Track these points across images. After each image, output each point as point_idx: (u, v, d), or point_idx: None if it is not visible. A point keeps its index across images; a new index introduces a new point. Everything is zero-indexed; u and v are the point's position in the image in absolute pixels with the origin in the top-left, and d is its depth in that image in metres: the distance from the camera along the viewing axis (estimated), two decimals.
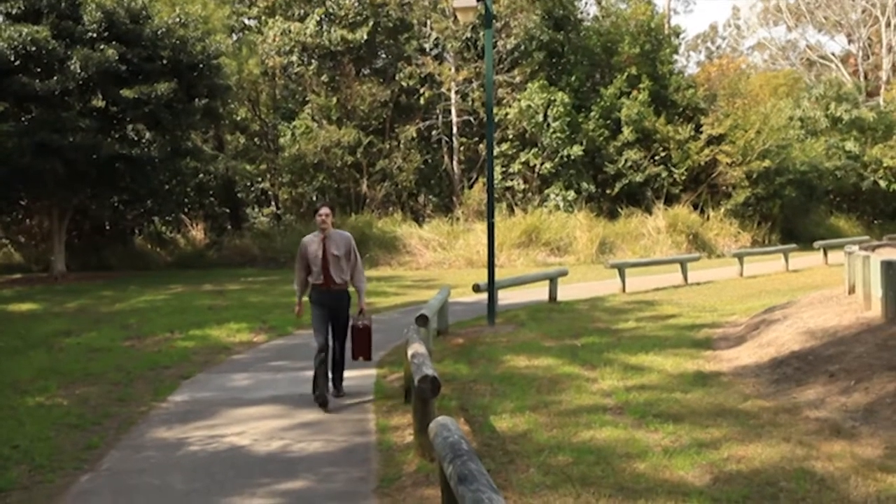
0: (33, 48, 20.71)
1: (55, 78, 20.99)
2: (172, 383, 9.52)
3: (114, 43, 21.59)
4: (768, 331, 10.50)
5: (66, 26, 21.48)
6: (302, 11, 31.95)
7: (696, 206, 30.64)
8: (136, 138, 22.61)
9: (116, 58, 21.28)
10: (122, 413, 8.16)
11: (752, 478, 5.56)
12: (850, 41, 54.48)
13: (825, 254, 23.78)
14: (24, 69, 21.20)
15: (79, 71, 21.01)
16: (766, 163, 30.56)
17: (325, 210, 8.38)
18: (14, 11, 21.69)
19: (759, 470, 5.71)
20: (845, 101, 38.75)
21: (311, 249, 8.33)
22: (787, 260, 22.67)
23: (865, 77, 49.77)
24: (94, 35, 21.70)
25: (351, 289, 8.57)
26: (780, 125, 32.23)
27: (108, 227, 29.39)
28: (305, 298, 8.65)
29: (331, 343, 8.39)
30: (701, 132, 31.07)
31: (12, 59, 20.90)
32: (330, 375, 8.44)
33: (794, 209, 33.14)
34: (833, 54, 55.30)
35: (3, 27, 20.97)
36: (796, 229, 33.03)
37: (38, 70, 21.43)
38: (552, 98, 29.53)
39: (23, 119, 21.96)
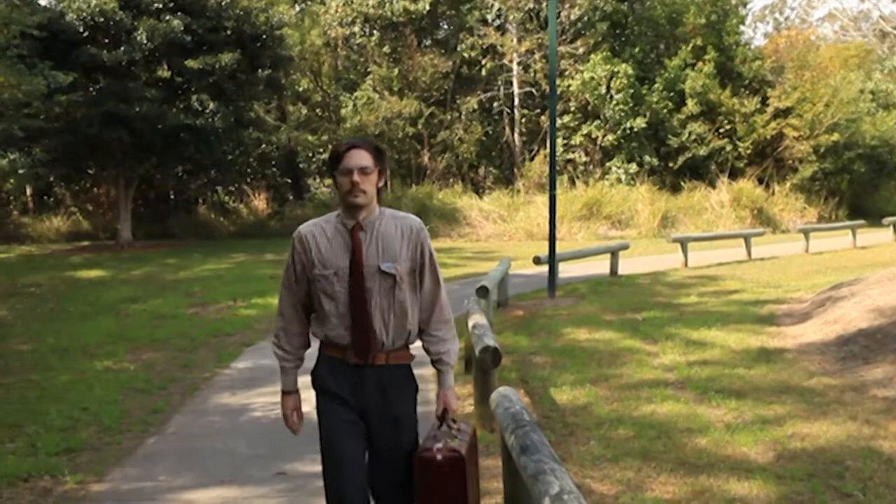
0: (101, 19, 21.07)
1: (122, 49, 21.34)
2: (235, 350, 9.68)
3: (179, 14, 21.85)
4: (835, 308, 10.30)
5: None
6: None
7: (761, 181, 30.11)
8: (200, 109, 22.88)
9: (181, 28, 21.53)
10: (187, 378, 8.31)
11: (817, 456, 5.48)
12: None
13: (895, 230, 23.24)
14: (92, 40, 21.61)
15: (145, 42, 21.32)
16: (835, 137, 29.86)
17: (359, 158, 3.38)
18: None
19: (825, 448, 5.62)
20: None
21: (320, 258, 3.48)
22: (854, 236, 22.18)
23: None
24: (160, 6, 21.98)
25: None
26: (850, 98, 31.44)
27: (172, 197, 29.86)
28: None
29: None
30: (767, 105, 30.46)
31: (81, 30, 21.32)
32: None
33: (862, 184, 32.41)
34: None
35: None
36: (865, 205, 32.30)
37: (106, 41, 21.81)
38: (615, 70, 29.17)
39: (91, 89, 22.36)
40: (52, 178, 26.58)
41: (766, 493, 4.88)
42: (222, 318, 11.94)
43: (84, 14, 20.93)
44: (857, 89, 33.22)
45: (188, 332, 10.80)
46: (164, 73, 23.09)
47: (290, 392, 3.81)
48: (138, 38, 21.27)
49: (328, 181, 34.20)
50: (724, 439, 5.85)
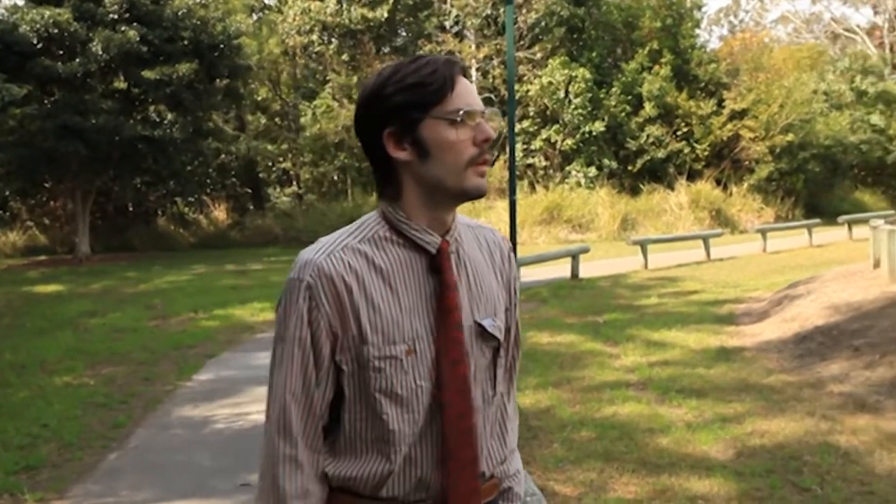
0: (55, 31, 20.85)
1: (77, 60, 21.14)
2: (197, 362, 9.60)
3: (135, 24, 21.71)
4: (792, 306, 10.45)
5: (87, 8, 21.59)
6: None
7: (718, 182, 30.40)
8: (157, 119, 22.73)
9: (138, 39, 21.39)
10: (148, 392, 8.23)
11: (776, 452, 5.56)
12: (875, 13, 53.70)
13: (850, 228, 23.58)
14: (46, 52, 21.38)
15: (100, 53, 21.14)
16: (790, 137, 30.26)
17: (476, 95, 1.71)
18: None
19: (783, 444, 5.71)
20: (871, 73, 38.25)
21: (379, 322, 1.66)
22: (810, 235, 22.48)
23: (891, 49, 48.99)
24: (116, 17, 21.81)
25: None
26: (803, 99, 31.86)
27: (131, 209, 29.57)
28: None
29: None
30: (723, 107, 30.79)
31: (35, 41, 21.07)
32: None
33: (817, 184, 32.84)
34: (858, 26, 54.56)
35: (26, 10, 21.13)
36: (820, 204, 32.73)
37: (61, 52, 21.60)
38: (573, 74, 29.35)
39: (45, 102, 22.14)
40: (7, 193, 26.22)
41: (727, 490, 4.95)
42: (184, 331, 11.84)
43: (38, 26, 20.69)
44: (810, 90, 33.68)
45: (149, 345, 10.69)
46: (120, 84, 22.93)
47: None
48: (93, 49, 21.09)
49: (288, 190, 34.13)
50: (685, 438, 5.92)
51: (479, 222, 1.91)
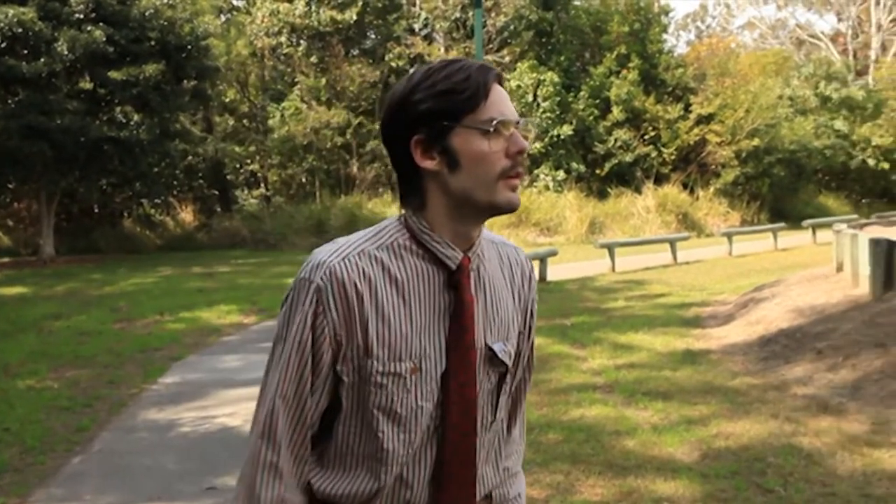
0: (19, 30, 20.56)
1: (42, 60, 20.85)
2: (163, 365, 9.52)
3: (101, 24, 21.45)
4: (757, 309, 10.57)
5: (52, 7, 21.32)
6: None
7: (685, 186, 30.64)
8: (124, 121, 22.49)
9: (104, 39, 21.14)
10: (113, 395, 8.16)
11: (741, 454, 5.62)
12: (839, 20, 54.48)
13: (814, 232, 23.84)
14: (10, 51, 21.08)
15: (66, 53, 20.89)
16: (755, 142, 30.57)
17: (510, 104, 1.64)
18: None
19: (748, 446, 5.77)
20: (834, 79, 38.73)
21: (387, 337, 1.59)
22: (775, 239, 22.73)
23: (854, 56, 49.76)
24: (81, 16, 21.55)
25: None
26: (769, 104, 32.19)
27: (96, 211, 29.26)
28: None
29: None
30: (690, 111, 31.04)
31: None
32: None
33: (782, 188, 33.17)
34: (822, 33, 55.29)
35: None
36: (785, 208, 33.07)
37: (25, 52, 21.29)
38: (541, 78, 29.47)
39: (9, 102, 21.83)
40: None
41: (692, 492, 4.99)
42: (149, 333, 11.75)
43: (1, 25, 20.42)
44: (775, 95, 34.02)
45: (114, 348, 10.59)
46: (86, 84, 22.66)
47: None
48: (59, 49, 20.83)
49: (256, 192, 33.99)
50: (651, 440, 5.96)
51: (504, 238, 1.83)
